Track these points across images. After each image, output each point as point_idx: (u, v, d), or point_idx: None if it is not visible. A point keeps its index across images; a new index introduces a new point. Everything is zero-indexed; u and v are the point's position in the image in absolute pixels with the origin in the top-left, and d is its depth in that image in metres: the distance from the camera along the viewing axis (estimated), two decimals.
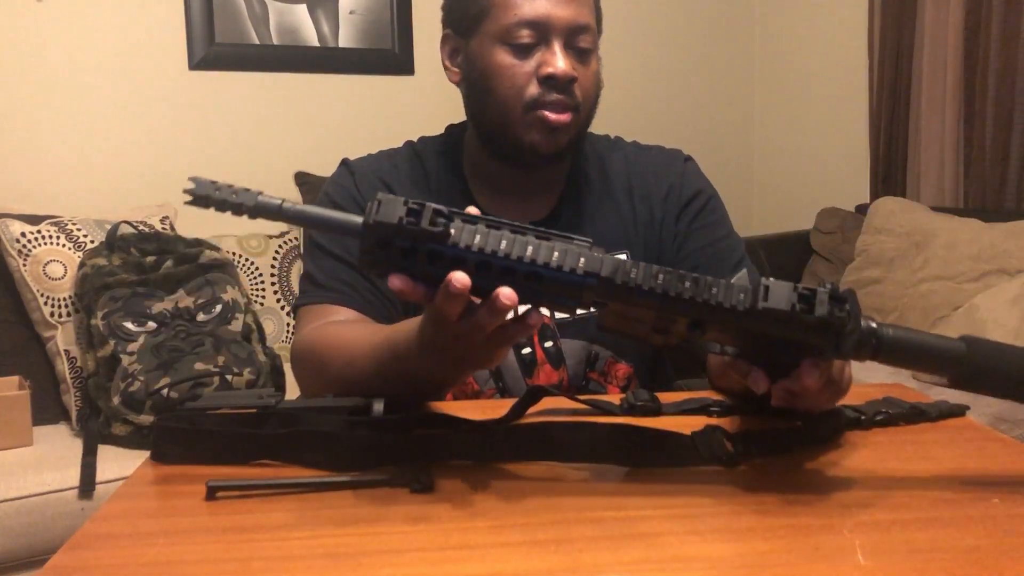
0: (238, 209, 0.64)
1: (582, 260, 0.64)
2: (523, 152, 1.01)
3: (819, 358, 0.65)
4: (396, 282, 0.64)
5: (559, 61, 0.98)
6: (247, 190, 0.64)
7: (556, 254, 0.64)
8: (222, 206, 0.64)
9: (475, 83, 1.04)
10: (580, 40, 1.01)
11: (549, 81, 0.99)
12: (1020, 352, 0.69)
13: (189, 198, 0.63)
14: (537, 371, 1.05)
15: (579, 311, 0.67)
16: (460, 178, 1.10)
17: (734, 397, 0.87)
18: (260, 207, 0.64)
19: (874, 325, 0.65)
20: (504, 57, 1.00)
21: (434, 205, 0.64)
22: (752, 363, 0.68)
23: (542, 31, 0.99)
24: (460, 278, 0.63)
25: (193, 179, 0.64)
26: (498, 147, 1.05)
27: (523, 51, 1.00)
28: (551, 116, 0.99)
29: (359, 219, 0.65)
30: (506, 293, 0.63)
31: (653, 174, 1.12)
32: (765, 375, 0.67)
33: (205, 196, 0.63)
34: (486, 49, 1.01)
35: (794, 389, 0.66)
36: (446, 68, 1.09)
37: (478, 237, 0.64)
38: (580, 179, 1.11)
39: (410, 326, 0.79)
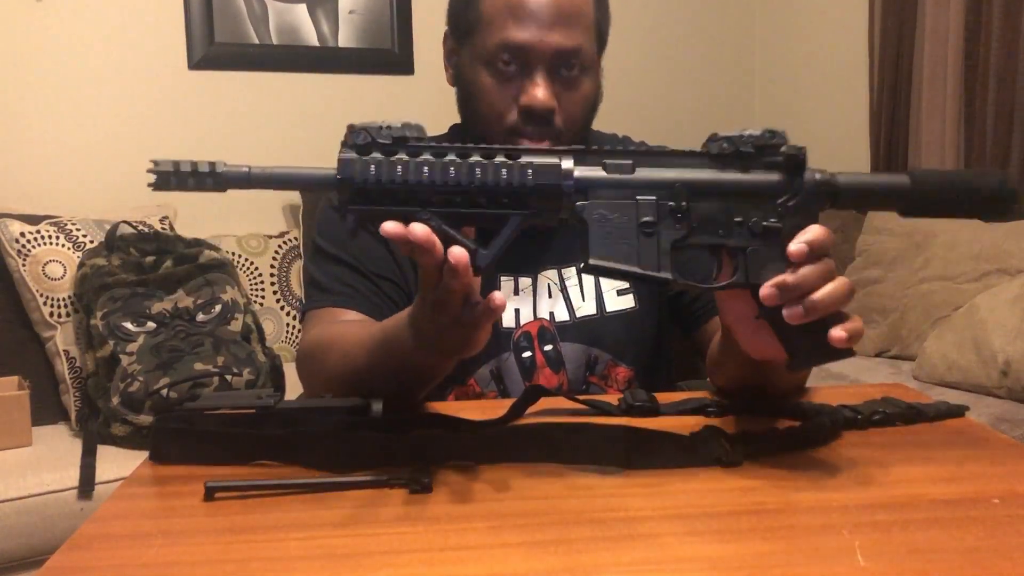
0: (203, 187, 0.66)
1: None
2: None
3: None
4: (389, 227, 0.65)
5: (539, 92, 0.96)
6: (210, 164, 0.66)
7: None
8: (187, 188, 0.66)
9: (461, 94, 1.05)
10: (568, 65, 0.98)
11: (527, 111, 0.97)
12: (958, 175, 0.74)
13: (152, 186, 0.65)
14: (537, 375, 1.05)
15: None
16: None
17: (731, 394, 0.87)
18: (226, 179, 0.66)
19: (829, 173, 0.71)
20: (486, 79, 0.99)
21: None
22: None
23: (524, 59, 0.97)
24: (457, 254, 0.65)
25: (155, 166, 0.65)
26: None
27: (504, 77, 0.98)
28: (529, 145, 0.98)
29: (332, 171, 0.67)
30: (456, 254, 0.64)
31: None
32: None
33: (167, 182, 0.65)
34: (472, 65, 1.01)
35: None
36: (445, 66, 1.08)
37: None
38: None
39: (403, 314, 0.81)
